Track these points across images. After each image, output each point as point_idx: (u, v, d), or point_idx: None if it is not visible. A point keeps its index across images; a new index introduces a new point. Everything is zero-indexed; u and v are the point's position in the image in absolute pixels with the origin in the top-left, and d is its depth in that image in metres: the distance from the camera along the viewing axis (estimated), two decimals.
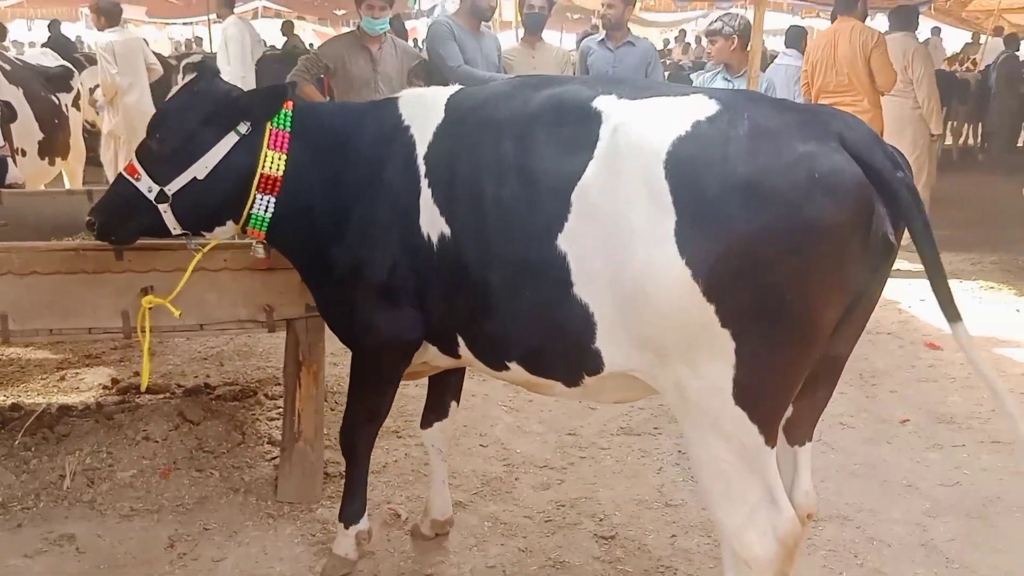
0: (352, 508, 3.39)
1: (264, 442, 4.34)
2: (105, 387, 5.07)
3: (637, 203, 2.35)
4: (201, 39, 21.52)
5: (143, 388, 3.53)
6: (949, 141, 14.85)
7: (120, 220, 3.15)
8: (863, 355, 5.58)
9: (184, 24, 26.23)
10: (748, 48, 6.46)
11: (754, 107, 2.43)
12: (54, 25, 14.60)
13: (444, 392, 3.59)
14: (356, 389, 3.30)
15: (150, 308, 3.42)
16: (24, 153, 6.45)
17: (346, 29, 26.51)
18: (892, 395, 5.11)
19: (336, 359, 4.99)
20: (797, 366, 2.39)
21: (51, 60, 8.18)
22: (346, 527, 3.38)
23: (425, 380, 3.59)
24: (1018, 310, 6.94)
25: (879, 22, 11.66)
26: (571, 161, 2.53)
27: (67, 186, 7.96)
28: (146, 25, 25.58)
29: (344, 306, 3.13)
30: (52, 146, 7.00)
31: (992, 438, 4.55)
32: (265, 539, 3.63)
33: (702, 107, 2.42)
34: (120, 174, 3.16)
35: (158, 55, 15.53)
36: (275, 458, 4.18)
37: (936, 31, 19.35)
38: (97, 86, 9.23)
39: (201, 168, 3.01)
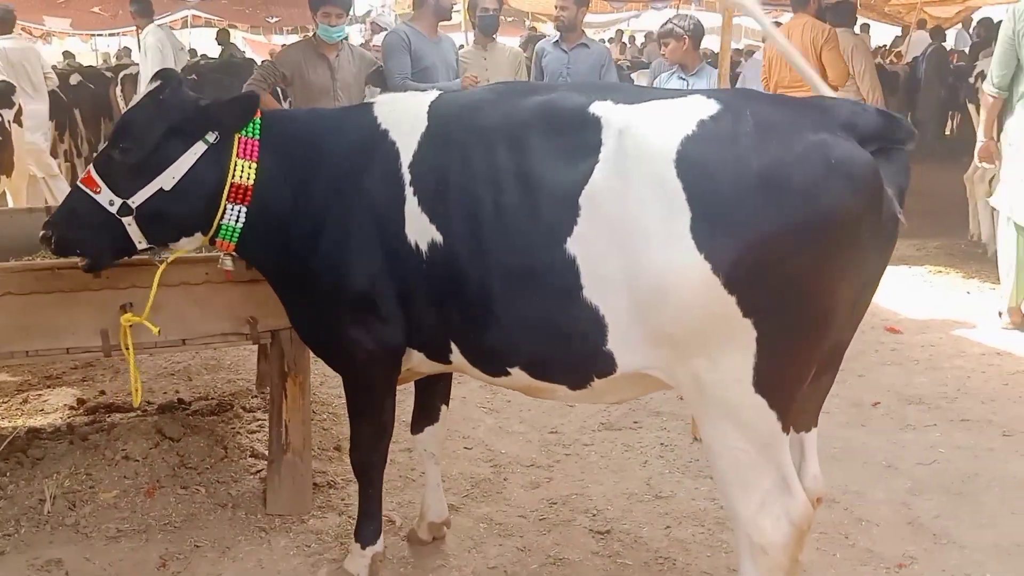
0: (369, 528, 3.34)
1: (247, 455, 4.27)
2: (71, 407, 4.94)
3: (649, 204, 2.39)
4: (130, 50, 21.07)
5: (136, 403, 3.43)
6: None
7: (79, 234, 3.02)
8: None
9: (110, 35, 25.65)
10: (700, 47, 6.61)
11: (754, 103, 2.50)
12: None
13: (433, 396, 3.56)
14: (356, 410, 3.25)
15: (130, 326, 3.31)
16: None
17: (278, 37, 26.25)
18: (861, 379, 5.23)
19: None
20: (815, 351, 2.46)
21: None
22: (362, 548, 3.33)
23: (410, 386, 3.57)
24: (968, 292, 7.17)
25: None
26: (576, 166, 2.54)
27: (10, 204, 7.76)
28: (70, 37, 25.00)
29: (322, 322, 3.08)
30: None
31: (961, 417, 4.70)
32: (259, 553, 3.58)
33: (704, 107, 2.47)
34: (76, 186, 3.05)
35: (90, 67, 15.25)
36: (260, 471, 4.12)
37: (865, 27, 19.83)
38: None
39: (168, 179, 2.92)
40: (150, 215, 2.95)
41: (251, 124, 3.01)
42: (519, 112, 2.73)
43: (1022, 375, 5.31)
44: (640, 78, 12.26)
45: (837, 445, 4.40)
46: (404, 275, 2.85)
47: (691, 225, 2.32)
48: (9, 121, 7.47)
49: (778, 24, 8.79)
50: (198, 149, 2.94)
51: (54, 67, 14.64)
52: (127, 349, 3.33)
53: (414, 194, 2.81)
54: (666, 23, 6.85)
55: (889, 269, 2.64)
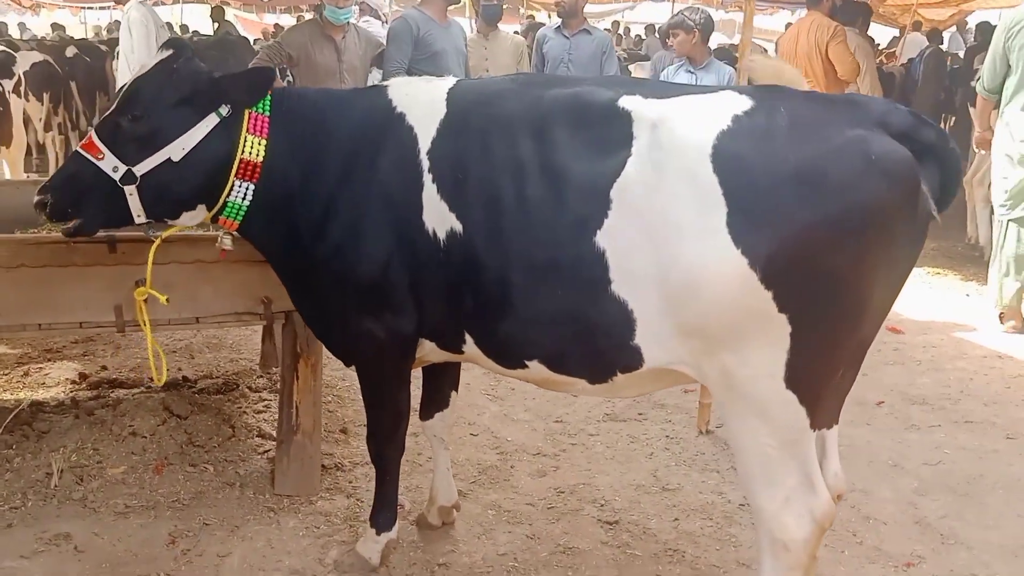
0: (385, 515, 3.34)
1: (254, 435, 4.25)
2: (74, 382, 4.91)
3: (683, 198, 2.38)
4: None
5: (160, 383, 3.37)
6: None
7: (77, 201, 2.92)
8: None
9: (100, 8, 25.39)
10: (708, 41, 6.61)
11: (787, 99, 2.51)
12: None
13: (443, 382, 3.55)
14: (371, 399, 3.23)
15: (145, 300, 3.24)
16: None
17: (270, 16, 26.01)
18: (864, 378, 5.18)
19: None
20: (847, 347, 2.48)
21: None
22: (377, 534, 3.33)
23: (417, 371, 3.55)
24: (967, 295, 7.22)
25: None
26: (607, 160, 2.53)
27: (7, 176, 7.69)
28: (60, 10, 24.72)
29: (330, 309, 3.04)
30: None
31: (965, 418, 4.74)
32: (268, 533, 3.57)
33: (736, 102, 2.47)
34: (76, 152, 2.94)
35: (83, 40, 15.08)
36: (267, 451, 4.11)
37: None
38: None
39: (177, 150, 2.85)
40: (154, 186, 2.88)
41: (262, 100, 2.95)
42: (543, 103, 2.71)
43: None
44: (638, 71, 12.25)
45: (842, 443, 4.32)
46: (419, 263, 2.81)
47: (727, 219, 2.32)
48: (9, 91, 7.38)
49: (790, 24, 8.86)
50: (210, 121, 2.87)
51: (43, 39, 14.52)
52: (144, 324, 3.28)
53: (433, 181, 2.77)
54: (676, 14, 6.84)
55: None
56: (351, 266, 2.87)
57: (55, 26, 21.37)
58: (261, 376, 4.90)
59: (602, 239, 2.52)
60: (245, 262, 3.52)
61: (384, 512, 3.33)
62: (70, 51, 11.26)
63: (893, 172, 2.34)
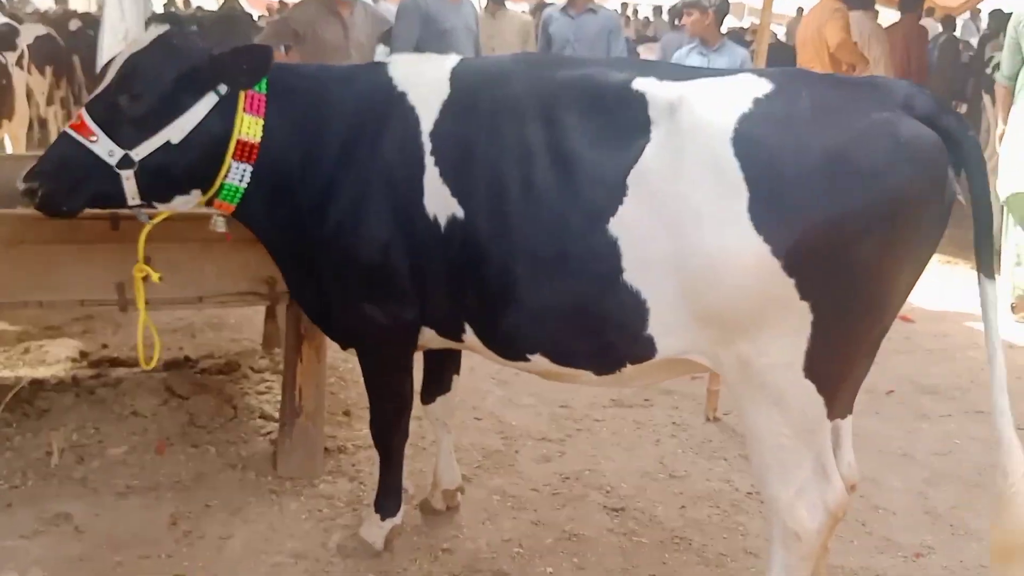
0: (389, 501, 3.29)
1: (256, 416, 4.21)
2: (74, 360, 4.86)
3: (703, 183, 2.31)
4: None
5: (148, 367, 3.27)
6: None
7: (70, 188, 2.77)
8: None
9: None
10: (722, 23, 6.54)
11: (808, 82, 2.45)
12: None
13: (444, 366, 3.47)
14: (373, 386, 3.17)
15: (144, 278, 3.13)
16: None
17: None
18: (874, 366, 5.02)
19: None
20: (869, 335, 2.43)
21: None
22: (382, 519, 3.29)
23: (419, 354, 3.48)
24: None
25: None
26: (623, 145, 2.45)
27: (9, 150, 7.62)
28: None
29: (329, 294, 2.95)
30: None
31: (976, 408, 4.68)
32: (271, 515, 3.53)
33: (756, 85, 2.40)
34: (65, 133, 2.77)
35: (86, 14, 14.93)
36: (269, 433, 4.07)
37: (875, 14, 19.69)
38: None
39: (177, 131, 2.72)
40: (153, 170, 2.74)
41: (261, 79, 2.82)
42: (552, 85, 2.63)
43: None
44: (646, 53, 12.14)
45: (852, 432, 4.35)
46: (420, 249, 2.73)
47: (749, 206, 2.26)
48: (11, 64, 7.30)
49: (801, 11, 8.88)
50: (209, 100, 2.75)
51: (47, 12, 14.40)
52: (140, 303, 3.19)
53: (435, 164, 2.68)
54: None
55: None
56: (351, 249, 2.78)
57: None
58: (264, 357, 4.85)
59: (615, 228, 2.44)
60: (249, 241, 3.43)
61: (388, 497, 3.29)
62: (73, 24, 11.15)
63: (922, 156, 2.27)
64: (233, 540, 3.36)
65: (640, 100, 2.48)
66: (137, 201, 2.82)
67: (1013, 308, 6.13)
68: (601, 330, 2.54)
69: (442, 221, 2.66)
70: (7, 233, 3.32)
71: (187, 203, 2.90)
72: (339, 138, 2.79)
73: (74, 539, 3.31)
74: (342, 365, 4.92)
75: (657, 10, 21.94)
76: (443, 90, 2.74)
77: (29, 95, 8.87)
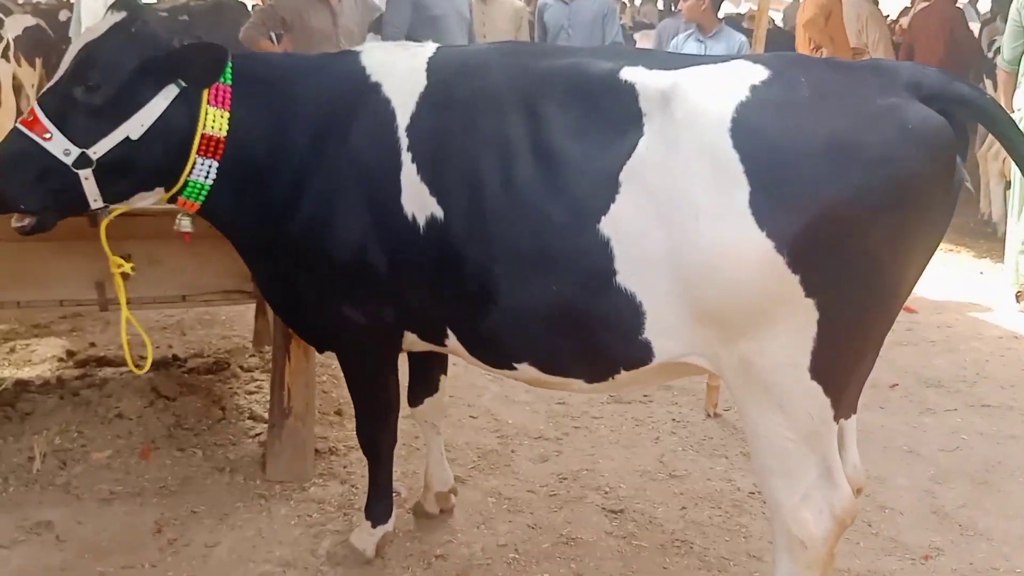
0: (380, 507, 3.18)
1: (245, 417, 4.11)
2: (60, 359, 4.76)
3: (700, 175, 2.19)
4: None
5: (141, 372, 3.13)
6: None
7: (21, 188, 2.55)
8: None
9: None
10: (719, 9, 6.41)
11: (807, 68, 2.34)
12: None
13: (431, 366, 3.31)
14: (356, 389, 3.05)
15: (123, 274, 2.95)
16: None
17: None
18: (877, 359, 5.09)
19: None
20: (879, 332, 2.34)
21: None
22: (373, 526, 3.18)
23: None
24: (981, 272, 7.05)
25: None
26: (615, 138, 2.33)
27: None
28: None
29: (304, 296, 2.80)
30: None
31: (982, 402, 4.59)
32: (259, 521, 3.42)
33: (752, 72, 2.28)
34: (17, 130, 2.55)
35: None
36: (259, 434, 3.96)
37: None
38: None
39: (136, 126, 2.54)
40: (112, 168, 2.56)
41: (216, 80, 2.65)
42: (535, 76, 2.49)
43: None
44: (643, 40, 11.98)
45: (857, 428, 4.26)
46: (398, 248, 2.58)
47: (750, 199, 2.14)
48: None
49: None
50: (169, 93, 2.57)
51: (38, 3, 14.23)
52: (126, 303, 3.07)
53: (412, 160, 2.54)
54: None
55: None
56: (325, 249, 2.64)
57: None
58: (254, 355, 4.75)
59: (606, 226, 2.31)
60: None
61: (379, 503, 3.18)
62: (63, 15, 10.97)
63: (931, 142, 2.16)
64: (219, 548, 3.25)
65: (630, 90, 2.36)
66: (100, 203, 2.63)
67: (1018, 297, 6.03)
68: (593, 335, 2.42)
69: (420, 220, 2.53)
70: None
71: (147, 200, 2.74)
72: (310, 131, 2.64)
73: (55, 548, 3.21)
74: (334, 362, 4.73)
75: None
76: (420, 81, 2.60)
77: (20, 87, 8.73)
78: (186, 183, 2.67)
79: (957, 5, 9.21)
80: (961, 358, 5.16)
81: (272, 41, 7.14)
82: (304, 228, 2.65)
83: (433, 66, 2.63)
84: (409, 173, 2.54)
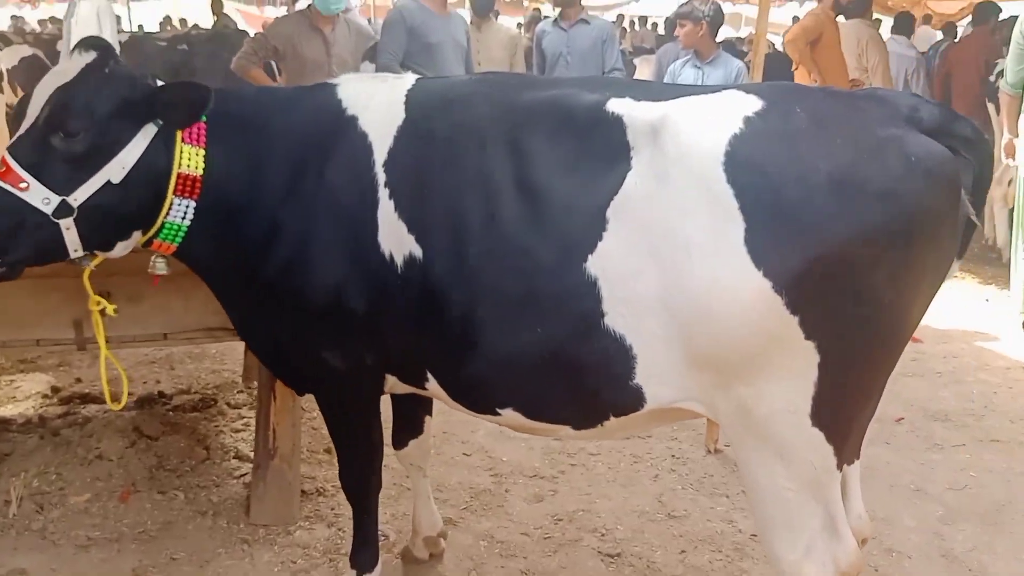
0: (366, 555, 3.04)
1: (230, 457, 3.99)
2: (45, 396, 4.65)
3: (693, 212, 2.08)
4: (120, 17, 20.56)
5: (117, 408, 2.97)
6: None
7: (2, 247, 2.39)
8: None
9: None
10: (717, 35, 6.34)
11: (802, 98, 2.23)
12: None
13: (415, 406, 3.18)
14: (338, 435, 2.92)
15: (102, 312, 2.77)
16: None
17: (271, 9, 25.83)
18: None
19: None
20: (884, 374, 2.22)
21: None
22: (358, 574, 3.04)
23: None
24: (987, 299, 6.92)
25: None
26: (601, 173, 2.22)
27: None
28: (59, 3, 24.43)
29: (280, 339, 2.68)
30: None
31: (991, 437, 4.45)
32: (241, 568, 3.30)
33: (745, 103, 2.18)
34: None
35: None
36: (244, 475, 3.84)
37: (877, 22, 19.54)
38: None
39: (117, 169, 2.41)
40: (94, 215, 2.42)
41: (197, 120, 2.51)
42: (517, 109, 2.39)
43: None
44: (643, 65, 11.94)
45: (861, 465, 4.09)
46: (376, 290, 2.46)
47: (745, 237, 2.03)
48: None
49: (796, 19, 8.74)
50: (148, 132, 2.45)
51: (40, 33, 14.25)
52: (105, 342, 2.93)
53: (390, 197, 2.42)
54: (685, 3, 6.51)
55: None
56: (302, 290, 2.51)
57: (53, 20, 21.02)
58: (242, 391, 4.63)
59: (594, 265, 2.20)
60: None
61: (364, 551, 3.04)
62: (60, 45, 10.96)
63: (936, 175, 2.06)
64: None
65: (617, 123, 2.25)
66: (80, 253, 2.49)
67: None
68: (580, 381, 2.30)
69: (398, 260, 2.41)
70: None
71: (127, 248, 2.61)
72: (285, 167, 2.53)
73: None
74: None
75: (643, 20, 21.80)
76: (398, 114, 2.49)
77: (14, 118, 8.67)
78: (162, 225, 2.55)
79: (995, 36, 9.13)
80: (968, 390, 5.03)
81: (272, 70, 7.09)
82: (280, 270, 2.54)
83: (412, 99, 2.53)
84: (386, 210, 2.42)
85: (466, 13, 7.28)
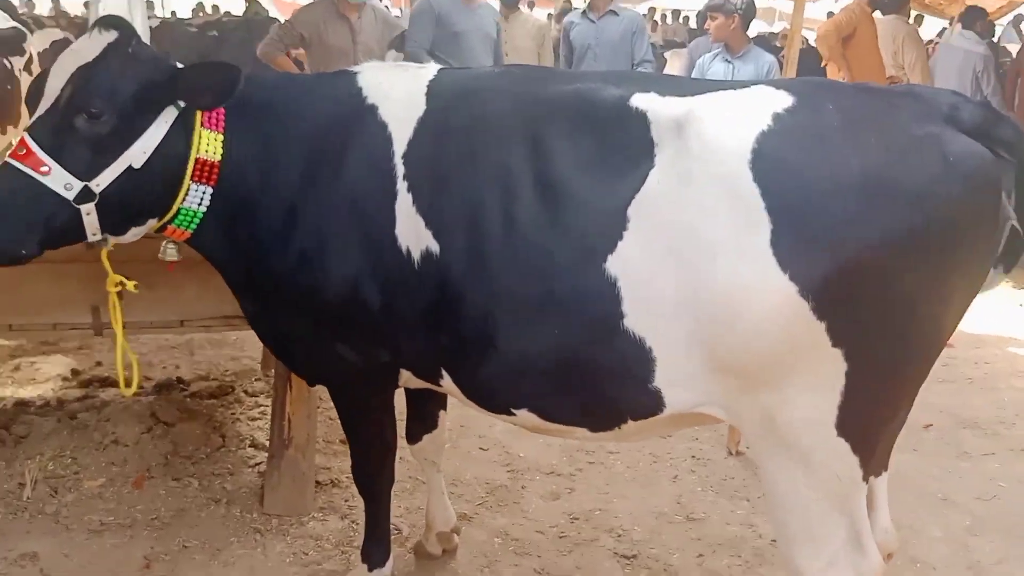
0: (377, 550, 3.01)
1: (246, 445, 3.96)
2: (65, 379, 4.65)
3: (717, 212, 2.01)
4: (152, 3, 20.61)
5: (128, 394, 2.90)
6: None
7: (18, 232, 2.33)
8: None
9: None
10: (748, 28, 6.25)
11: (835, 94, 2.15)
12: None
13: (429, 400, 3.12)
14: (351, 429, 2.88)
15: (120, 293, 2.70)
16: None
17: None
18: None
19: None
20: (914, 385, 2.13)
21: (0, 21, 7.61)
22: (369, 569, 3.01)
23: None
24: (1021, 304, 6.77)
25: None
26: (623, 171, 2.14)
27: None
28: None
29: (293, 331, 2.63)
30: (4, 113, 6.48)
31: (1021, 446, 4.34)
32: (252, 558, 3.27)
33: (775, 98, 2.09)
34: (8, 164, 2.31)
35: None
36: (259, 464, 3.81)
37: (919, 18, 19.24)
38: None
39: (138, 153, 2.35)
40: (115, 200, 2.37)
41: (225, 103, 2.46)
42: (540, 103, 2.31)
43: None
44: (674, 59, 11.82)
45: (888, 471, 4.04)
46: (392, 284, 2.40)
47: (772, 239, 1.95)
48: (20, 69, 7.11)
49: (831, 14, 8.61)
50: (169, 116, 2.39)
51: (74, 18, 14.32)
52: (120, 327, 2.89)
53: (408, 190, 2.36)
54: None
55: None
56: (317, 282, 2.46)
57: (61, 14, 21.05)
58: (260, 379, 4.61)
59: (614, 266, 2.12)
60: None
61: (376, 546, 3.01)
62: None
63: (974, 176, 1.97)
64: None
65: (641, 118, 2.18)
66: (98, 236, 2.44)
67: None
68: (598, 383, 2.23)
69: (416, 256, 2.35)
70: None
71: (139, 234, 2.56)
72: (302, 156, 2.47)
73: None
74: None
75: (675, 14, 21.58)
76: (418, 105, 2.42)
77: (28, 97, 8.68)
78: (178, 211, 2.50)
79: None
80: (1000, 397, 4.91)
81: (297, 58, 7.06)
82: (295, 258, 2.48)
83: (434, 90, 2.46)
84: (404, 203, 2.36)
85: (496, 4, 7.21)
